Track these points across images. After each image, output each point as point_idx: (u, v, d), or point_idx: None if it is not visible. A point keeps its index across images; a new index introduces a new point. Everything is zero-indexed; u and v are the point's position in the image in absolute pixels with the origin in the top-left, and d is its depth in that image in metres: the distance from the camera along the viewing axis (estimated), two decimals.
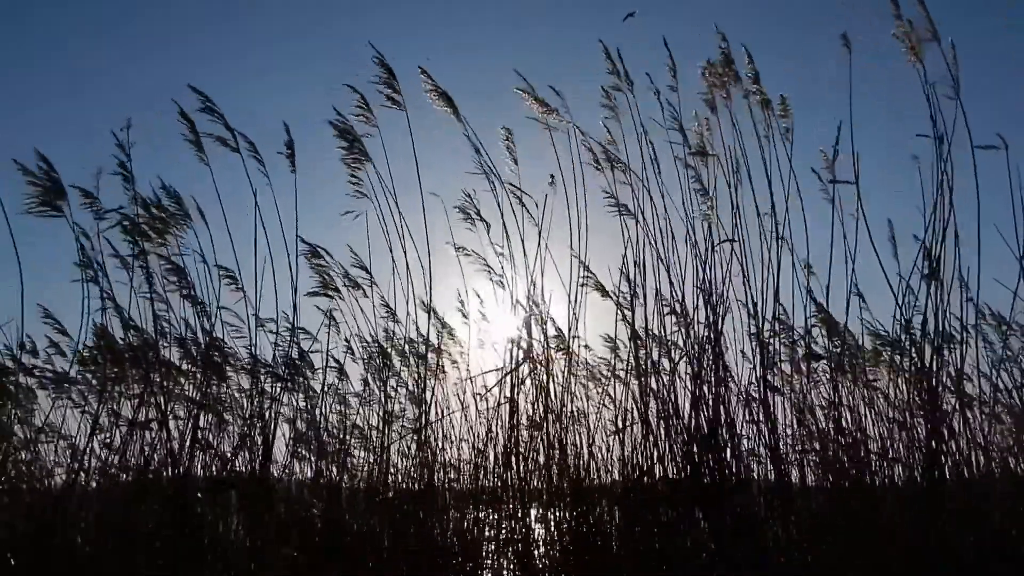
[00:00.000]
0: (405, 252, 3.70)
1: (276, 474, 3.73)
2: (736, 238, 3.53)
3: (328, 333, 3.91)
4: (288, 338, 3.72)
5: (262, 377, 3.72)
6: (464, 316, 4.16)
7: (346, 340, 4.00)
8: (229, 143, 3.60)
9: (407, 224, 3.70)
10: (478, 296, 4.16)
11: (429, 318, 3.89)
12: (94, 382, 3.79)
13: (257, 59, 18.27)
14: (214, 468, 3.64)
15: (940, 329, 3.23)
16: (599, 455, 3.70)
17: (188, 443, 3.50)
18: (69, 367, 3.90)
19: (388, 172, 3.68)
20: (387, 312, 3.93)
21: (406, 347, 3.94)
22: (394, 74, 3.61)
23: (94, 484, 3.66)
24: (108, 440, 3.57)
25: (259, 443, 3.60)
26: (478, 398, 3.94)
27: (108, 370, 3.66)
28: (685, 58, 3.73)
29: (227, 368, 3.78)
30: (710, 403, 3.34)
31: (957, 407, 3.22)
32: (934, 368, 3.22)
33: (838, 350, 3.57)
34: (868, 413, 3.50)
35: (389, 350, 3.94)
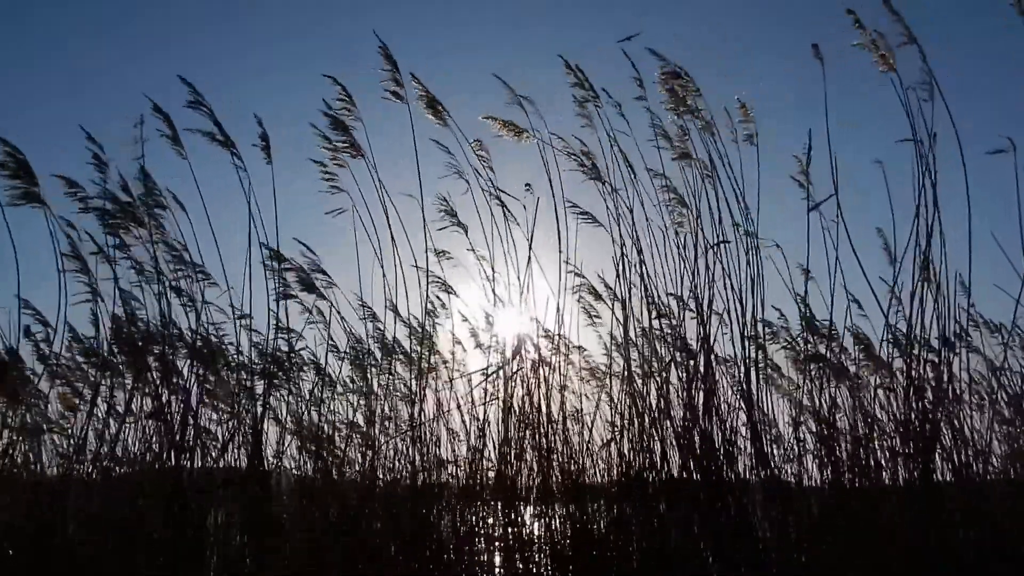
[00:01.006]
0: (398, 250, 3.71)
1: (267, 469, 3.73)
2: (723, 240, 3.53)
3: (328, 330, 3.93)
4: (273, 335, 3.73)
5: (249, 373, 3.72)
6: (436, 318, 4.17)
7: (329, 339, 4.01)
8: (217, 138, 3.58)
9: (402, 222, 3.71)
10: (450, 296, 4.17)
11: (427, 317, 3.89)
12: (94, 372, 3.80)
13: (257, 59, 18.28)
14: (205, 463, 3.65)
15: (928, 333, 3.24)
16: (595, 454, 3.70)
17: (185, 434, 3.51)
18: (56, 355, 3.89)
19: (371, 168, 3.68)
20: (367, 313, 3.96)
21: (395, 346, 3.95)
22: (397, 66, 3.59)
23: (92, 474, 3.66)
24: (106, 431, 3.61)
25: (249, 439, 3.60)
26: (470, 396, 3.95)
27: (119, 361, 3.68)
28: (694, 59, 3.71)
29: (218, 363, 3.79)
30: (701, 406, 3.35)
31: (950, 409, 3.22)
32: (924, 371, 3.22)
33: (828, 352, 3.57)
34: (863, 414, 3.50)
35: (374, 349, 3.96)
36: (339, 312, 3.87)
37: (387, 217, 3.68)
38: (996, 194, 3.34)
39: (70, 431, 3.79)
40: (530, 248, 3.75)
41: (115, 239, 3.58)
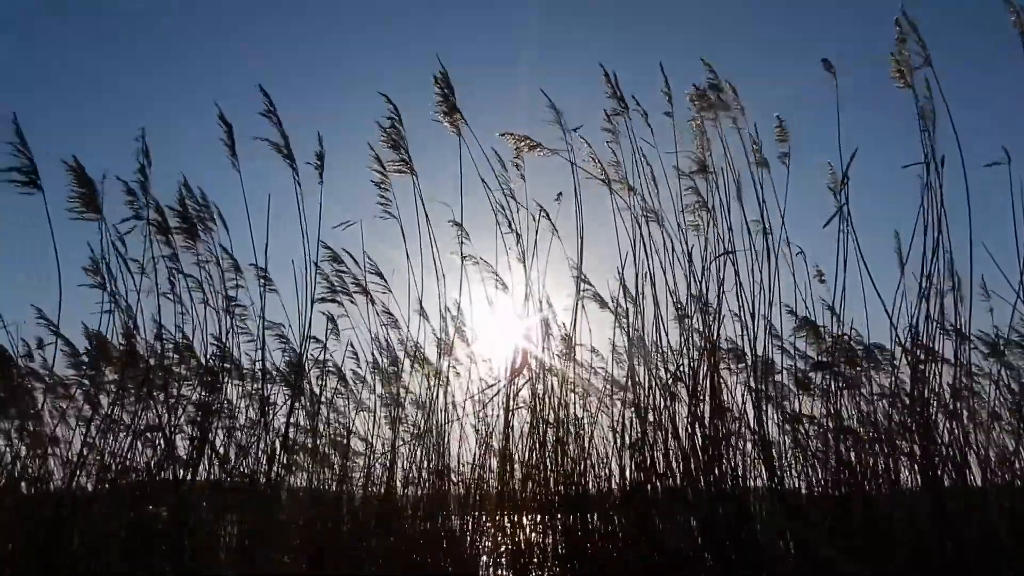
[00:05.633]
0: (437, 261, 3.74)
1: (278, 478, 3.73)
2: (733, 250, 3.57)
3: (353, 337, 3.96)
4: (297, 345, 3.75)
5: (271, 383, 3.74)
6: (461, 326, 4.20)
7: (350, 345, 4.03)
8: (282, 150, 3.65)
9: (432, 234, 3.76)
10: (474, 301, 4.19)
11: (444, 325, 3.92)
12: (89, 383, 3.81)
13: (263, 61, 18.39)
14: (214, 472, 3.64)
15: (932, 340, 3.27)
16: (597, 463, 3.71)
17: (196, 448, 3.51)
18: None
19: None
20: (389, 319, 3.98)
21: (414, 354, 3.98)
22: (453, 91, 3.62)
23: (91, 487, 3.65)
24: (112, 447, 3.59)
25: (265, 449, 3.61)
26: (479, 408, 3.97)
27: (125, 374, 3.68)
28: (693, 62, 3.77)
29: (238, 373, 3.81)
30: (706, 416, 3.37)
31: (951, 415, 3.24)
32: (927, 377, 3.25)
33: (831, 358, 3.61)
34: (866, 420, 3.52)
35: (384, 361, 3.98)
36: (380, 313, 3.89)
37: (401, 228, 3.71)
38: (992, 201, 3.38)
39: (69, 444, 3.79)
40: (532, 256, 3.79)
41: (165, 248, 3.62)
